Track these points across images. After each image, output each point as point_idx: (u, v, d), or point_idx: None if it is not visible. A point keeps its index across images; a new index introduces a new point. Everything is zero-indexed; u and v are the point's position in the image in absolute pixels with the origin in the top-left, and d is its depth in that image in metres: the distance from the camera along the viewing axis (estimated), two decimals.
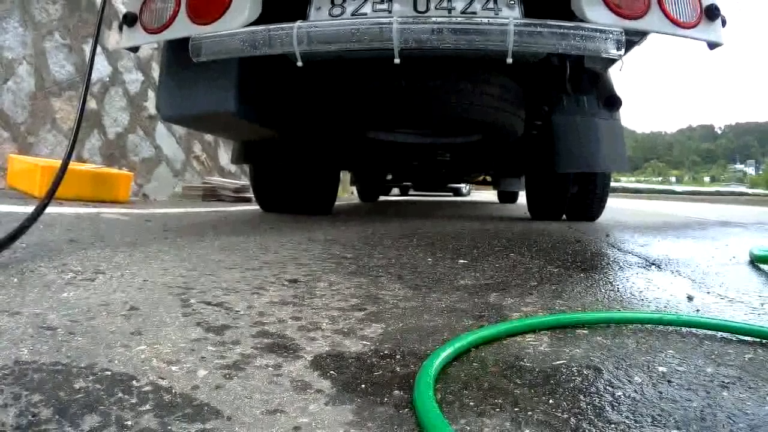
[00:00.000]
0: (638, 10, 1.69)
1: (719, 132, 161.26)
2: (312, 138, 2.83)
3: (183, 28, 1.87)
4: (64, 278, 1.05)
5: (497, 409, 0.54)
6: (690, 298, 1.11)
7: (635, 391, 0.60)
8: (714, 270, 1.54)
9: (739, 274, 1.52)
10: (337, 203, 4.34)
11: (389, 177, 7.11)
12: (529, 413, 0.53)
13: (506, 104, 2.42)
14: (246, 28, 1.79)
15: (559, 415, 0.53)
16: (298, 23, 1.74)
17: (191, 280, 1.11)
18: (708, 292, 1.20)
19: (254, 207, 4.08)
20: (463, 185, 12.48)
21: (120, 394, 0.54)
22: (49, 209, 1.78)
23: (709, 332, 0.85)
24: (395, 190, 12.16)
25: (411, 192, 12.90)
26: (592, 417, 0.53)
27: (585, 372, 0.66)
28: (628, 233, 2.82)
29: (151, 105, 5.15)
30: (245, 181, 5.70)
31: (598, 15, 1.68)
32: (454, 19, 1.74)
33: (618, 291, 1.19)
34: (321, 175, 3.50)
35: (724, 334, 0.84)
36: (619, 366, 0.68)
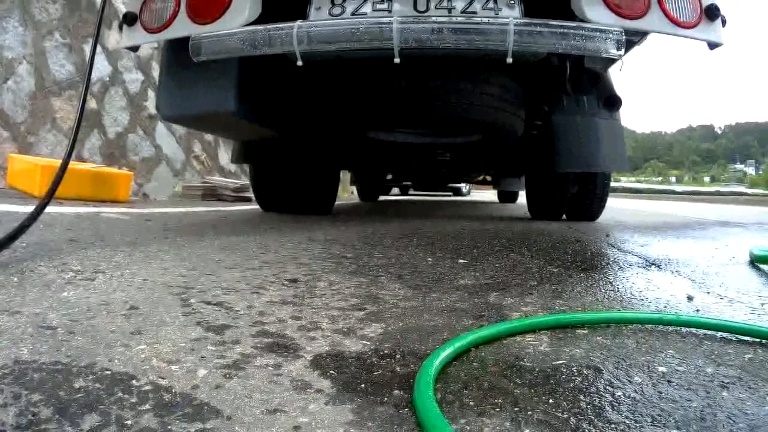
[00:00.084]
0: (638, 10, 1.69)
1: (719, 132, 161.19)
2: (312, 138, 2.83)
3: (183, 27, 1.87)
4: (64, 278, 1.05)
5: (497, 409, 0.54)
6: (690, 298, 1.11)
7: (635, 391, 0.60)
8: (714, 270, 1.54)
9: (739, 274, 1.52)
10: (337, 203, 4.33)
11: (389, 177, 7.12)
12: (529, 413, 0.53)
13: (506, 104, 2.42)
14: (246, 28, 1.79)
15: (559, 414, 0.53)
16: (298, 23, 1.74)
17: (191, 279, 1.11)
18: (708, 292, 1.20)
19: (254, 207, 4.08)
20: (463, 185, 12.48)
21: (120, 394, 0.54)
22: (49, 209, 1.78)
23: (709, 332, 0.85)
24: (395, 190, 12.16)
25: (411, 192, 12.90)
26: (592, 417, 0.53)
27: (585, 372, 0.66)
28: (628, 233, 2.82)
29: (151, 104, 5.15)
30: (245, 181, 5.70)
31: (598, 15, 1.68)
32: (454, 18, 1.74)
33: (618, 291, 1.19)
34: (321, 175, 3.50)
35: (724, 334, 0.84)
36: (619, 366, 0.68)
